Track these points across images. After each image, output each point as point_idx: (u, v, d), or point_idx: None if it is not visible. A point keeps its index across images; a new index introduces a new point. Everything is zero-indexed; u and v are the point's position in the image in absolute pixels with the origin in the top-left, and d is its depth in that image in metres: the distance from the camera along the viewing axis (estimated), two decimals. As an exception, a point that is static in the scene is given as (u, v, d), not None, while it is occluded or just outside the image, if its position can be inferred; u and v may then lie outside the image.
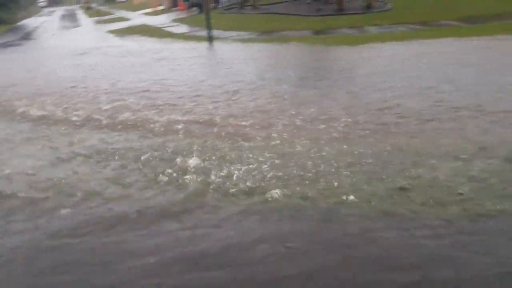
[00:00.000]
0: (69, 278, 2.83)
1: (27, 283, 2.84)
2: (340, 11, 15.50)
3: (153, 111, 6.20)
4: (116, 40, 16.62)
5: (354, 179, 3.70)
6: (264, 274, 2.73)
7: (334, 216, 3.27)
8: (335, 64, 9.01)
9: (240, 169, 4.01)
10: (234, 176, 3.89)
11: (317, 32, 13.03)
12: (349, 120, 5.18)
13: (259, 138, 4.82)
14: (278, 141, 4.68)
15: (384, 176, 3.72)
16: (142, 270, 2.83)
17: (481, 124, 4.74)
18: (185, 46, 13.06)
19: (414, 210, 3.24)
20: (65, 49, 15.17)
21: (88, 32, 21.84)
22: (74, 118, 6.24)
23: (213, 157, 4.33)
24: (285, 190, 3.60)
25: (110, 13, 33.88)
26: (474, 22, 11.65)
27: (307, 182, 3.72)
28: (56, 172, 4.35)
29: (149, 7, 31.99)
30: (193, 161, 4.24)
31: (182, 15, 23.18)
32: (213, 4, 21.79)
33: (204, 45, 12.71)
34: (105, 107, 6.64)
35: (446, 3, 14.67)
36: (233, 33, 14.20)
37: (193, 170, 4.08)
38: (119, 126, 5.68)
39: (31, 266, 2.96)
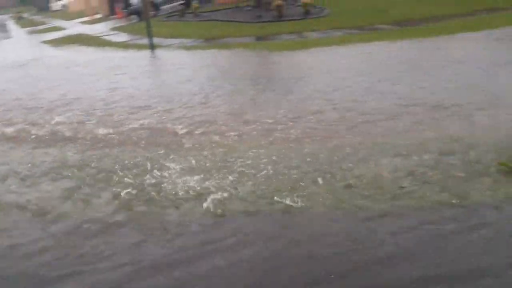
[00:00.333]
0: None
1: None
2: (280, 17, 15.86)
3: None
4: (52, 51, 15.83)
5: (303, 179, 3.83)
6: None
7: (283, 215, 3.36)
8: (281, 69, 9.20)
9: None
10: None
11: (259, 38, 13.26)
12: (295, 122, 5.33)
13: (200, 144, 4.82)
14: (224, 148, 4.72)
15: (329, 176, 3.86)
16: None
17: (418, 121, 5.07)
18: (125, 55, 12.73)
19: (359, 206, 3.39)
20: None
21: (21, 44, 20.62)
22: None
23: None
24: (239, 191, 3.65)
25: (44, 23, 32.16)
26: (404, 26, 12.42)
27: (259, 182, 3.79)
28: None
29: (85, 16, 30.82)
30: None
31: (121, 23, 22.57)
32: (153, 12, 21.41)
33: (146, 53, 12.47)
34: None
35: (379, 8, 15.48)
36: (176, 41, 14.06)
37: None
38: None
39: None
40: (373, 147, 4.41)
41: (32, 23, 32.92)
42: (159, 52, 12.48)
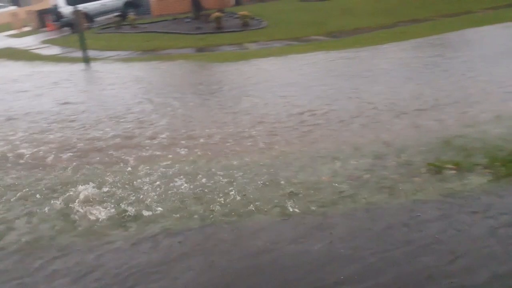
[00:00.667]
0: None
1: None
2: (219, 29, 15.96)
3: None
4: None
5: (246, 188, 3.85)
6: None
7: (228, 224, 3.35)
8: (224, 79, 9.23)
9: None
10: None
11: (200, 50, 13.24)
12: (236, 130, 5.38)
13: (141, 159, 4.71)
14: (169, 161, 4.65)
15: (273, 184, 3.93)
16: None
17: (351, 128, 5.32)
18: (56, 69, 12.10)
19: (303, 212, 3.48)
20: None
21: None
22: None
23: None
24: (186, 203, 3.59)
25: (-37, 37, 29.80)
26: (337, 37, 13.03)
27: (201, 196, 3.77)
28: None
29: (13, 29, 28.98)
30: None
31: (53, 36, 21.49)
32: (87, 24, 20.63)
33: (80, 66, 11.95)
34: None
35: (314, 20, 16.08)
36: (112, 53, 13.64)
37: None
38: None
39: None
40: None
41: (-49, 37, 30.36)
42: (94, 65, 12.03)
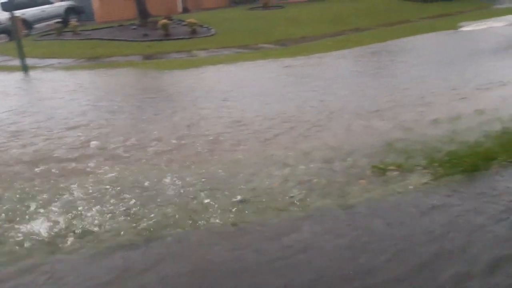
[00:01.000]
0: None
1: None
2: (167, 36, 15.74)
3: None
4: None
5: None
6: None
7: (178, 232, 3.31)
8: (173, 88, 9.10)
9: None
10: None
11: (147, 57, 12.96)
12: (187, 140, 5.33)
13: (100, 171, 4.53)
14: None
15: (225, 192, 3.92)
16: None
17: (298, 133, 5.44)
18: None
19: (254, 220, 3.49)
20: None
21: None
22: None
23: None
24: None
25: None
26: (284, 45, 13.32)
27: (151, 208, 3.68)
28: None
29: None
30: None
31: (-13, 43, 20.18)
32: (26, 31, 19.58)
33: (17, 75, 11.29)
34: None
35: (262, 29, 16.31)
36: (53, 61, 13.02)
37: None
38: None
39: None
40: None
41: None
42: (33, 73, 11.40)
